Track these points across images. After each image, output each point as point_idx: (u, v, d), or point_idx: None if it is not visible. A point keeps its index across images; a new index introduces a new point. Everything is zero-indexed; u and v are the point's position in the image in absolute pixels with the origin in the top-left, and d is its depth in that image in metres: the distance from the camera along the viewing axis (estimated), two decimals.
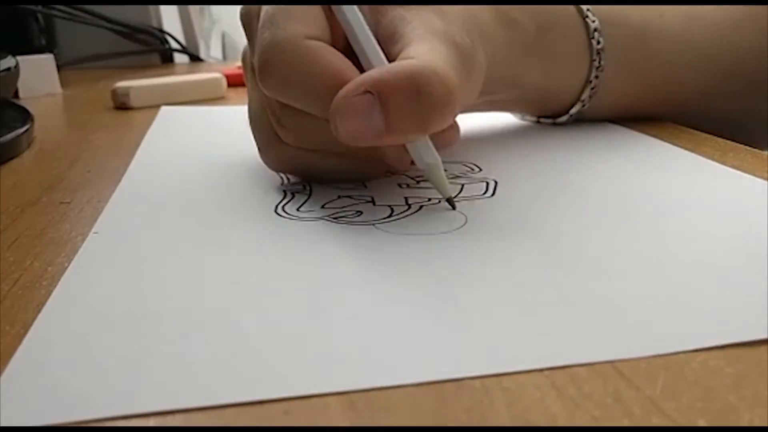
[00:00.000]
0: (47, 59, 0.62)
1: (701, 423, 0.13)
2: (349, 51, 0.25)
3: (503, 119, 0.40)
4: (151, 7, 0.88)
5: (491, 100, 0.35)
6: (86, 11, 0.82)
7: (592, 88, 0.35)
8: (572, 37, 0.35)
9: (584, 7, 0.35)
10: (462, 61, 0.25)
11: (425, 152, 0.25)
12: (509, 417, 0.13)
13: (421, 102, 0.23)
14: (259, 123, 0.29)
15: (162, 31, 0.89)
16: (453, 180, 0.28)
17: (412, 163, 0.26)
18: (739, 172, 0.28)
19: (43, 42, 0.78)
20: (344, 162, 0.28)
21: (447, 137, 0.27)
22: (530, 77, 0.34)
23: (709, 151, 0.31)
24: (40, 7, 0.78)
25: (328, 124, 0.24)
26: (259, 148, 0.29)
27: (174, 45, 0.91)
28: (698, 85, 0.37)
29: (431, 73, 0.23)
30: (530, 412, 0.13)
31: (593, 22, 0.35)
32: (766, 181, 0.26)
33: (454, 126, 0.27)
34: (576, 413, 0.13)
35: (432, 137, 0.25)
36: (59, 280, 0.20)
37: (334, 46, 0.25)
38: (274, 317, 0.17)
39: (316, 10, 0.26)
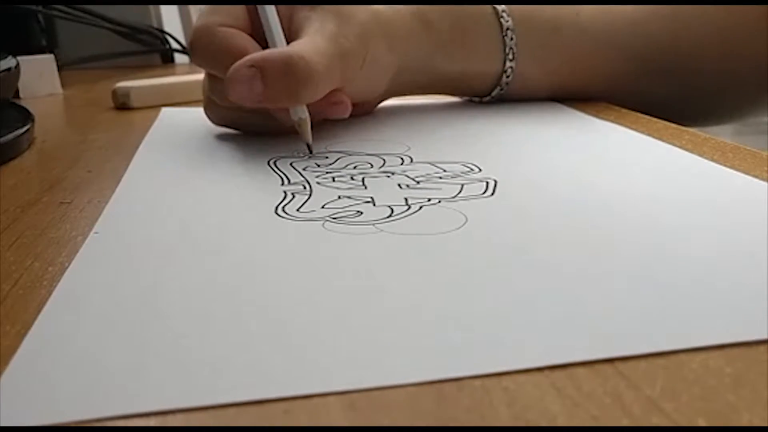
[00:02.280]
0: (48, 59, 0.62)
1: (701, 423, 0.13)
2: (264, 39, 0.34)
3: (504, 121, 0.40)
4: (152, 7, 0.88)
5: (416, 85, 0.42)
6: (87, 11, 0.82)
7: (508, 76, 0.42)
8: (486, 36, 0.41)
9: (500, 7, 0.41)
10: (338, 54, 0.33)
11: (298, 110, 0.33)
12: (509, 417, 0.13)
13: (289, 77, 0.31)
14: (203, 90, 0.38)
15: (162, 31, 0.89)
16: (453, 180, 0.28)
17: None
18: (739, 172, 0.28)
19: (44, 42, 0.78)
20: (256, 117, 0.36)
21: (336, 110, 0.35)
22: (448, 68, 0.41)
23: (709, 151, 0.31)
24: (40, 8, 0.78)
25: None
26: (204, 110, 0.39)
27: (174, 45, 0.91)
28: (608, 73, 0.43)
29: (299, 57, 0.31)
30: (530, 411, 0.13)
31: (506, 21, 0.41)
32: (765, 182, 0.26)
33: (342, 104, 0.35)
34: (576, 413, 0.13)
35: (324, 109, 0.34)
36: (60, 280, 0.20)
37: (252, 35, 0.34)
38: (274, 317, 0.17)
39: (238, 8, 0.35)
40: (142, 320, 0.17)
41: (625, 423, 0.13)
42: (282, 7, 0.35)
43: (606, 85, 0.44)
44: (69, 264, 0.21)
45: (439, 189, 0.27)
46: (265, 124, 0.36)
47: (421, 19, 0.39)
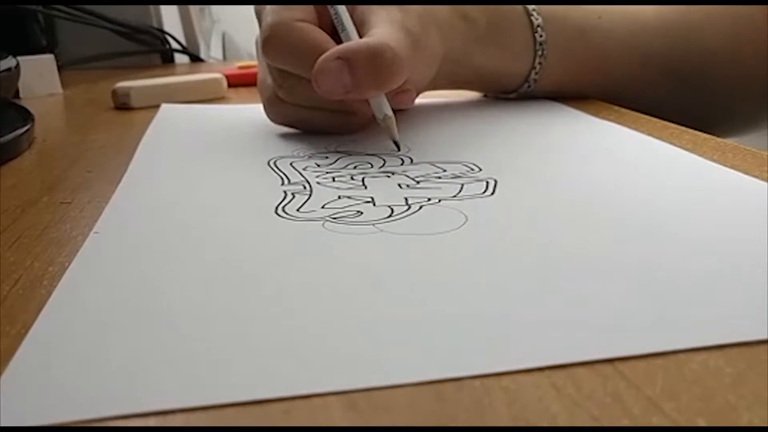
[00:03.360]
0: (48, 59, 0.62)
1: (701, 423, 0.13)
2: (332, 33, 0.35)
3: (504, 121, 0.40)
4: (152, 7, 0.88)
5: (452, 78, 0.43)
6: (87, 11, 0.82)
7: (537, 72, 0.44)
8: (519, 32, 0.43)
9: (530, 6, 0.43)
10: (411, 41, 0.34)
11: (383, 107, 0.34)
12: (509, 417, 0.13)
13: (376, 65, 0.32)
14: (263, 88, 0.38)
15: (162, 31, 0.89)
16: (453, 180, 0.28)
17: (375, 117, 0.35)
18: (738, 172, 0.28)
19: (44, 42, 0.78)
20: (326, 115, 0.37)
21: (403, 99, 0.36)
22: (483, 61, 0.43)
23: (709, 151, 0.31)
24: (40, 7, 0.78)
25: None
26: (264, 107, 0.39)
27: (174, 45, 0.91)
28: (627, 77, 0.45)
29: (385, 46, 0.32)
30: (530, 411, 0.13)
31: (537, 19, 0.43)
32: (765, 182, 0.26)
33: (409, 92, 0.36)
34: (576, 413, 0.13)
35: (391, 99, 0.34)
36: (60, 280, 0.20)
37: (321, 29, 0.35)
38: (274, 317, 0.17)
39: (307, 6, 0.36)
40: (142, 320, 0.17)
41: (625, 423, 0.13)
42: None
43: (628, 88, 0.45)
44: (69, 264, 0.21)
45: (439, 189, 0.27)
46: (333, 122, 0.37)
47: (460, 14, 0.41)
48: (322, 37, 0.34)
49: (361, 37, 0.34)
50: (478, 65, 0.43)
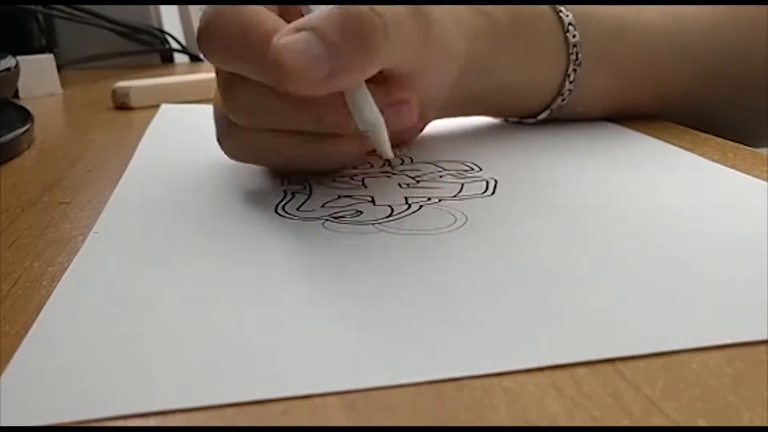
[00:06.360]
0: (47, 59, 0.62)
1: (701, 423, 0.13)
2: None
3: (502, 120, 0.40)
4: (152, 7, 0.88)
5: (470, 94, 0.34)
6: (86, 11, 0.82)
7: (571, 82, 0.35)
8: (547, 32, 0.35)
9: (558, 6, 0.35)
10: (411, 10, 0.25)
11: (365, 109, 0.24)
12: (509, 417, 0.13)
13: (357, 30, 0.22)
14: (215, 112, 0.29)
15: (162, 31, 0.89)
16: (453, 179, 0.28)
17: (373, 152, 0.26)
18: (739, 172, 0.28)
19: (44, 42, 0.78)
20: (299, 141, 0.27)
21: (400, 111, 0.26)
22: (507, 68, 0.34)
23: (709, 151, 0.31)
24: (40, 7, 0.78)
25: (274, 95, 0.24)
26: (217, 139, 0.29)
27: (174, 45, 0.91)
28: (678, 82, 0.37)
29: (364, 7, 0.22)
30: (530, 412, 0.13)
31: (567, 17, 0.35)
32: (766, 182, 0.26)
33: (408, 104, 0.26)
34: (576, 413, 0.13)
35: (393, 134, 0.25)
36: (59, 280, 0.20)
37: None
38: (274, 317, 0.17)
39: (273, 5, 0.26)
40: (142, 320, 0.17)
41: (625, 423, 0.13)
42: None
43: (676, 94, 0.37)
44: (69, 264, 0.21)
45: (440, 188, 0.27)
46: (302, 151, 0.27)
47: (481, 12, 0.34)
48: (275, 19, 0.24)
49: None
50: (503, 74, 0.34)
